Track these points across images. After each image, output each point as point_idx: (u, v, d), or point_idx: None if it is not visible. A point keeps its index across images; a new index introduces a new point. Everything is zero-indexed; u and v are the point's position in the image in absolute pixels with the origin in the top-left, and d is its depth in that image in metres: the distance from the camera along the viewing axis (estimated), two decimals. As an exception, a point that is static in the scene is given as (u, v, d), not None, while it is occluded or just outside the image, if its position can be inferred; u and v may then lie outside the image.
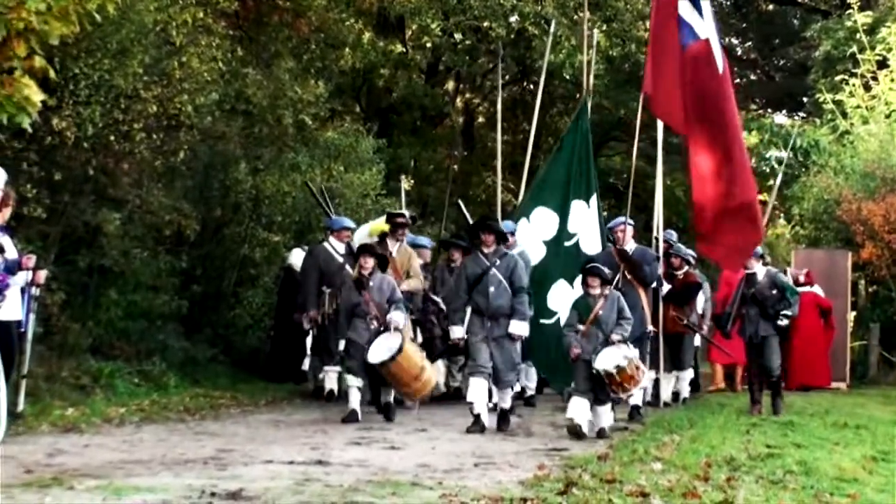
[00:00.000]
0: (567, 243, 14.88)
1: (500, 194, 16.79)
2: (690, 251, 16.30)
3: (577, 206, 15.01)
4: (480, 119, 33.56)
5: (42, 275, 10.56)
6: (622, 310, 11.62)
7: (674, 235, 16.99)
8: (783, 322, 14.02)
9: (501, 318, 11.83)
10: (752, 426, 12.41)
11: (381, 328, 12.16)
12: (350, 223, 15.19)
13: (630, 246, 14.10)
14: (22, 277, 10.15)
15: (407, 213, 15.64)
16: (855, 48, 25.42)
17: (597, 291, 11.61)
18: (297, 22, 19.00)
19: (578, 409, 11.29)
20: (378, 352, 11.87)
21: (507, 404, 12.03)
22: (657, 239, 15.57)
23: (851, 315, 22.06)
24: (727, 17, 35.66)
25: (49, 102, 11.30)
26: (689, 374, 16.21)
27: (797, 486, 8.03)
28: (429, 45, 27.84)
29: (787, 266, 20.49)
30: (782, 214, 29.28)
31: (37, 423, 10.74)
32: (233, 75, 16.91)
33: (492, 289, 11.79)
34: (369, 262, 12.41)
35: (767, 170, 27.89)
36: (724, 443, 10.58)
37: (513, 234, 14.12)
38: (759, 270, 14.35)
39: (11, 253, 9.92)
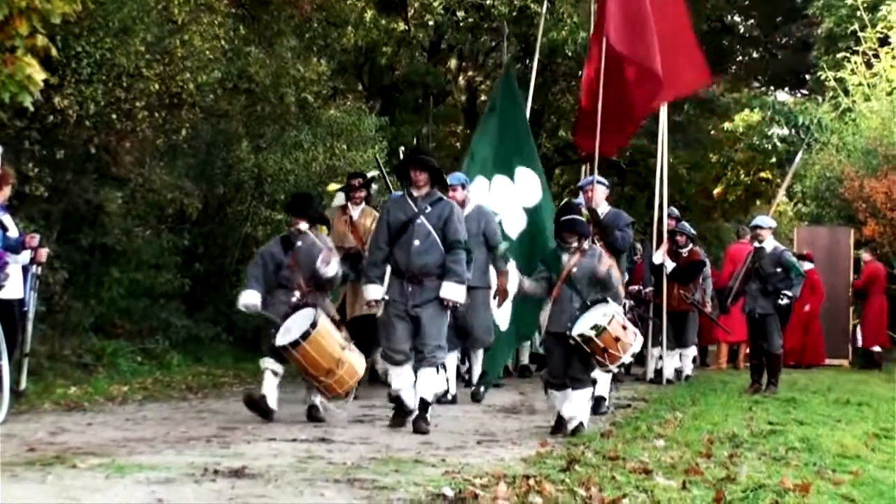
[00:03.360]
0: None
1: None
2: (693, 230, 16.30)
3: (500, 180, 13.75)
4: (483, 97, 33.46)
5: (44, 253, 10.52)
6: (609, 276, 9.38)
7: (675, 212, 16.95)
8: (783, 301, 13.75)
9: (426, 279, 9.51)
10: (754, 403, 12.44)
11: (303, 302, 10.13)
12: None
13: (603, 208, 12.52)
14: (25, 256, 10.15)
15: (374, 174, 14.15)
16: (857, 25, 25.43)
17: (574, 244, 9.39)
18: (299, 0, 18.93)
19: (559, 402, 9.57)
20: (288, 332, 9.87)
21: (428, 394, 9.62)
22: (660, 216, 15.57)
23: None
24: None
25: (51, 81, 11.26)
26: (692, 351, 16.30)
27: (799, 463, 8.04)
28: (431, 22, 27.68)
29: (790, 243, 20.52)
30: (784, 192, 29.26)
31: (39, 401, 10.77)
32: (235, 53, 16.86)
33: (416, 242, 9.49)
34: (301, 222, 10.36)
35: (770, 147, 28.03)
36: (726, 420, 10.60)
37: (464, 186, 12.21)
38: (768, 245, 14.05)
39: (13, 232, 9.93)
